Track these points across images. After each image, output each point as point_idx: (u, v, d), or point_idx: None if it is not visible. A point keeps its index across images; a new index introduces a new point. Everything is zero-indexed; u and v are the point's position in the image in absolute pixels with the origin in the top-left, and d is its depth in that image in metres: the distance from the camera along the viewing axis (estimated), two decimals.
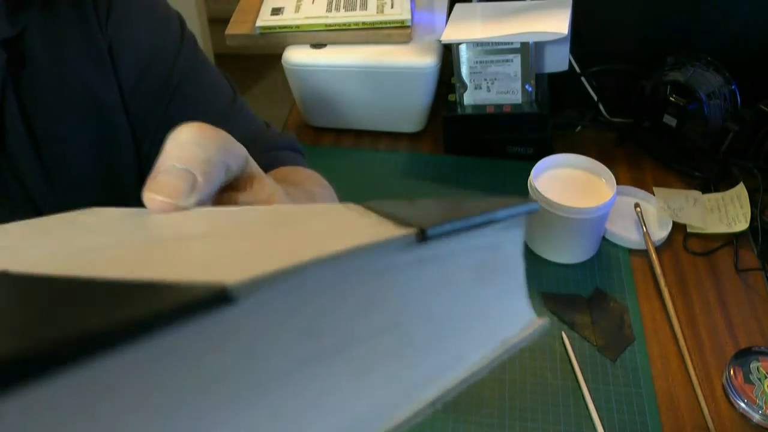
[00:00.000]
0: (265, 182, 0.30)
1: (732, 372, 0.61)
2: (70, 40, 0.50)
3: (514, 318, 0.21)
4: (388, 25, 0.83)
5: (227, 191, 0.29)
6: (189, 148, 0.25)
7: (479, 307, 0.19)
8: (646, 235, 0.73)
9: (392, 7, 0.84)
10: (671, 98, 0.80)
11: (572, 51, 0.83)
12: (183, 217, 0.23)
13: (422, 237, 0.15)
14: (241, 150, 0.28)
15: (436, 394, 0.16)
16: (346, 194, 0.83)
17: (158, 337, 0.10)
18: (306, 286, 0.13)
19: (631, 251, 0.74)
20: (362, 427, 0.14)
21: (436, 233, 0.15)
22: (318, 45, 0.84)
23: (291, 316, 0.13)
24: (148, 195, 0.24)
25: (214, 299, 0.11)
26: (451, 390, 0.16)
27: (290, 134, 0.64)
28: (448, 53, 0.82)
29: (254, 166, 0.29)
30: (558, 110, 0.91)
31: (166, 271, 0.13)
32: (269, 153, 0.57)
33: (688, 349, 0.64)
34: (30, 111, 0.49)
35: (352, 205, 0.19)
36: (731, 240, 0.75)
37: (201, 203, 0.25)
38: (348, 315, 0.14)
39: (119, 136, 0.54)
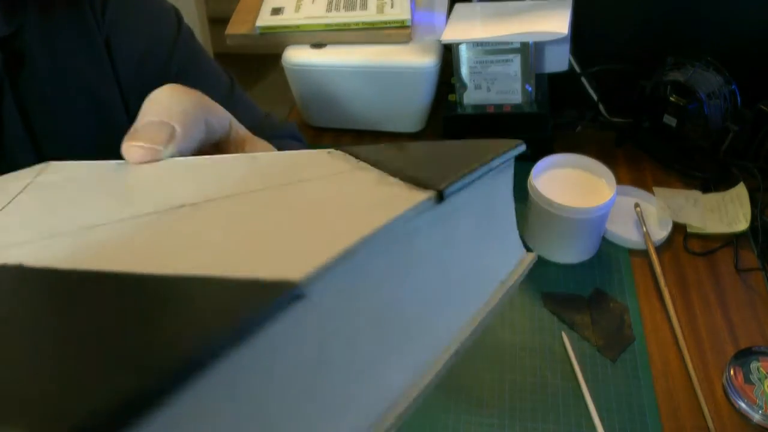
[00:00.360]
0: (258, 145, 0.30)
1: (732, 372, 0.61)
2: (66, 38, 0.50)
3: (509, 256, 0.23)
4: (388, 25, 0.83)
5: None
6: (164, 103, 0.26)
7: (481, 251, 0.20)
8: (646, 235, 0.73)
9: (392, 7, 0.84)
10: (671, 98, 0.80)
11: (572, 51, 0.83)
12: (166, 177, 0.22)
13: (440, 198, 0.15)
14: (223, 112, 0.28)
15: (455, 345, 0.17)
16: None
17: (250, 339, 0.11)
18: (354, 267, 0.13)
19: (631, 251, 0.74)
20: (407, 386, 0.15)
21: (452, 191, 0.16)
22: (318, 45, 0.84)
23: (347, 296, 0.13)
24: (128, 144, 0.24)
25: (288, 296, 0.11)
26: (466, 340, 0.17)
27: (291, 123, 0.64)
28: (448, 53, 0.82)
29: (242, 129, 0.29)
30: (558, 110, 0.91)
31: (200, 260, 0.13)
32: (270, 141, 0.58)
33: (688, 349, 0.64)
34: (29, 109, 0.49)
35: (338, 154, 0.20)
36: (731, 240, 0.75)
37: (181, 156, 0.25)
38: (378, 282, 0.14)
39: (118, 133, 0.54)
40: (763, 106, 0.78)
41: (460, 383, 0.63)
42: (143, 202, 0.19)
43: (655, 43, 0.85)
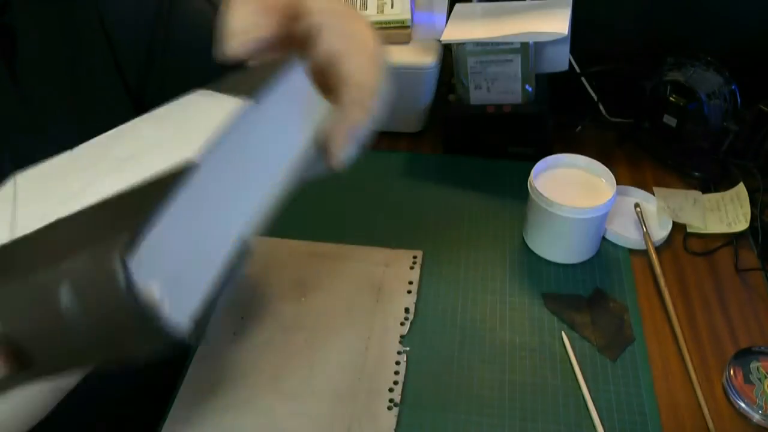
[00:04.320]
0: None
1: (732, 372, 0.61)
2: (53, 7, 0.50)
3: (310, 123, 0.34)
4: (388, 25, 0.83)
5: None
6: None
7: (290, 125, 0.31)
8: (646, 235, 0.73)
9: (392, 7, 0.84)
10: (671, 98, 0.80)
11: (572, 51, 0.83)
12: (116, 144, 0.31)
13: (257, 103, 0.28)
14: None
15: (283, 179, 0.29)
16: (346, 194, 0.83)
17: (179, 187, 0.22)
18: (215, 145, 0.24)
19: (631, 251, 0.74)
20: (260, 203, 0.28)
21: (261, 96, 0.28)
22: None
23: (221, 160, 0.25)
24: (229, 43, 0.33)
25: (189, 165, 0.23)
26: (289, 175, 0.30)
27: None
28: (448, 53, 0.82)
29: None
30: (558, 110, 0.91)
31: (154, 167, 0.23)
32: None
33: (688, 349, 0.64)
34: (20, 79, 0.49)
35: (205, 92, 0.31)
36: (731, 240, 0.75)
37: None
38: (233, 147, 0.26)
39: (111, 99, 0.54)
40: (763, 106, 0.78)
41: (460, 383, 0.63)
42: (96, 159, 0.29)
43: (655, 43, 0.85)
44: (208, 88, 0.30)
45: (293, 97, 0.32)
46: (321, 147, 0.34)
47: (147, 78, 0.55)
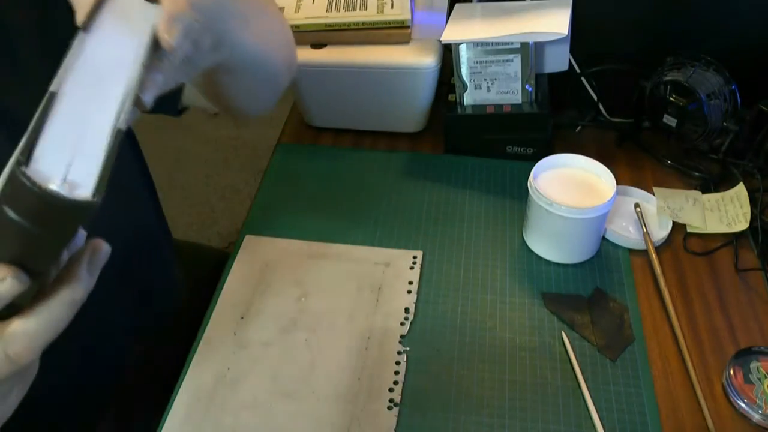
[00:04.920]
0: None
1: (732, 372, 0.61)
2: None
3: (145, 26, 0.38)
4: (388, 25, 0.83)
5: None
6: None
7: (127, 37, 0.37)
8: (646, 235, 0.73)
9: (392, 7, 0.84)
10: (671, 98, 0.80)
11: (572, 51, 0.83)
12: None
13: (85, 31, 0.35)
14: None
15: (135, 79, 0.35)
16: (346, 194, 0.83)
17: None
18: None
19: (631, 251, 0.74)
20: (124, 92, 0.34)
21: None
22: (318, 45, 0.84)
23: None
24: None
25: (50, 95, 0.32)
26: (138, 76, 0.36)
27: None
28: (448, 53, 0.82)
29: None
30: (558, 110, 0.91)
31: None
32: None
33: (688, 349, 0.64)
34: None
35: None
36: (731, 240, 0.75)
37: None
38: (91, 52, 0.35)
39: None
40: (763, 106, 0.78)
41: (460, 383, 0.63)
42: None
43: (655, 43, 0.85)
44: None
45: (122, 14, 0.38)
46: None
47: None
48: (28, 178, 0.27)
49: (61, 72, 0.33)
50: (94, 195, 0.30)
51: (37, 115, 0.30)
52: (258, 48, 0.53)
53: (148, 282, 0.74)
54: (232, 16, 0.46)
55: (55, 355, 0.35)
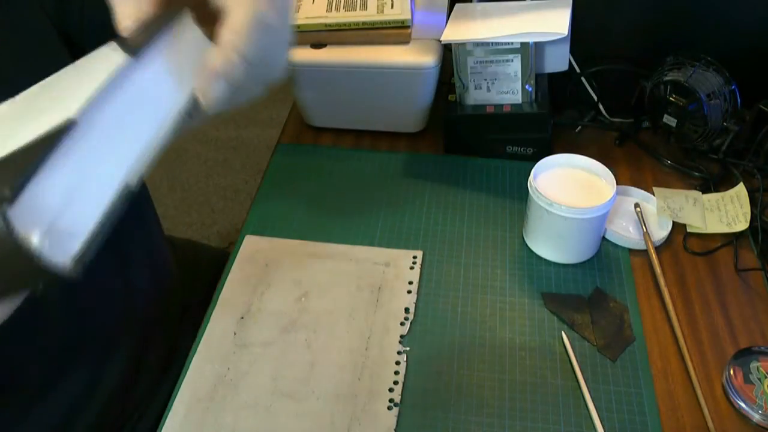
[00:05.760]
0: None
1: (732, 372, 0.61)
2: None
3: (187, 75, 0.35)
4: (388, 25, 0.83)
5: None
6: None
7: (167, 78, 0.34)
8: (646, 235, 0.73)
9: (392, 7, 0.84)
10: (671, 98, 0.80)
11: (572, 51, 0.83)
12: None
13: (134, 54, 0.30)
14: None
15: (165, 129, 0.32)
16: (346, 194, 0.83)
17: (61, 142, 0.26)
18: (98, 101, 0.27)
19: (631, 251, 0.74)
20: (145, 148, 0.31)
21: (141, 48, 0.31)
22: (318, 45, 0.84)
23: (101, 113, 0.28)
24: (120, 27, 0.33)
25: (69, 123, 0.26)
26: (171, 126, 0.32)
27: None
28: (448, 53, 0.82)
29: None
30: (558, 110, 0.91)
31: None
32: None
33: (688, 349, 0.64)
34: None
35: (112, 45, 0.32)
36: (731, 240, 0.75)
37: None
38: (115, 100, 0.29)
39: (34, 31, 0.53)
40: (763, 106, 0.78)
41: (460, 383, 0.63)
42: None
43: (655, 43, 0.85)
44: (115, 41, 0.32)
45: (177, 47, 0.34)
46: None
47: (66, 8, 0.53)
48: (8, 223, 0.22)
49: (91, 96, 0.27)
50: (75, 260, 0.25)
51: (42, 137, 0.25)
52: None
53: (130, 244, 0.71)
54: (284, 55, 0.41)
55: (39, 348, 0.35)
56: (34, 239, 0.24)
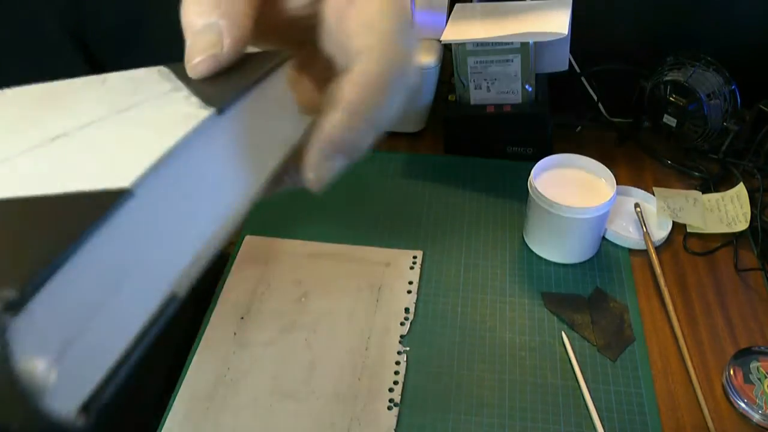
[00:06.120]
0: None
1: (732, 372, 0.61)
2: None
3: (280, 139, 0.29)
4: None
5: None
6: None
7: (253, 142, 0.26)
8: (646, 235, 0.73)
9: None
10: (671, 98, 0.80)
11: (572, 51, 0.83)
12: (24, 113, 0.25)
13: (220, 112, 0.22)
14: None
15: (233, 215, 0.24)
16: (346, 194, 0.83)
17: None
18: (163, 170, 0.19)
19: (631, 251, 0.74)
20: (213, 232, 0.22)
21: (228, 106, 0.23)
22: None
23: (166, 183, 0.20)
24: (187, 66, 0.25)
25: (122, 198, 0.17)
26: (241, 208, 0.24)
27: None
28: (448, 53, 0.82)
29: None
30: (558, 110, 0.91)
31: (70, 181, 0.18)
32: None
33: (688, 349, 0.64)
34: None
35: (164, 72, 0.26)
36: (731, 240, 0.75)
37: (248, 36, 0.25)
38: (186, 170, 0.21)
39: (48, 32, 0.50)
40: (763, 106, 0.78)
41: (460, 383, 0.63)
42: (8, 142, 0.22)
43: (655, 43, 0.85)
44: (172, 71, 0.25)
45: (267, 105, 0.26)
46: (297, 160, 0.28)
47: (82, 15, 0.52)
48: (5, 342, 0.14)
49: (155, 160, 0.18)
50: (84, 408, 0.16)
51: (73, 213, 0.16)
52: None
53: None
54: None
55: None
56: (38, 370, 0.15)
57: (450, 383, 0.63)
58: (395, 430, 0.59)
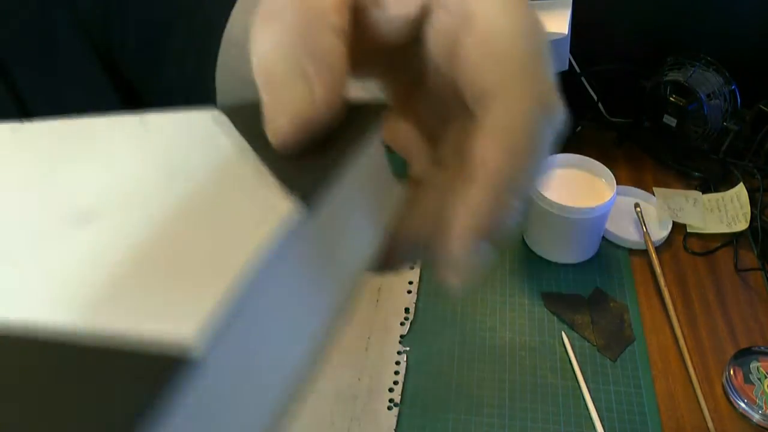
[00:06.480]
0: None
1: (732, 372, 0.61)
2: None
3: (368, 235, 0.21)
4: None
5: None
6: (265, 37, 0.17)
7: (349, 236, 0.19)
8: (646, 235, 0.73)
9: None
10: (671, 98, 0.80)
11: (572, 51, 0.83)
12: (46, 156, 0.19)
13: (309, 209, 0.15)
14: None
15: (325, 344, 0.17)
16: None
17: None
18: (239, 317, 0.13)
19: (631, 251, 0.74)
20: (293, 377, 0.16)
21: (322, 198, 0.16)
22: None
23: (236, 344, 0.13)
24: (271, 130, 0.17)
25: (182, 365, 0.11)
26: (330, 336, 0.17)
27: None
28: None
29: None
30: None
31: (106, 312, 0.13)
32: None
33: (688, 349, 0.64)
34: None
35: (222, 120, 0.18)
36: (731, 240, 0.75)
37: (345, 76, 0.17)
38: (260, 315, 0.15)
39: (76, 55, 0.49)
40: (762, 106, 0.78)
41: (460, 383, 0.63)
42: (25, 207, 0.17)
43: (655, 43, 0.85)
44: (231, 119, 0.18)
45: (361, 182, 0.19)
46: (394, 244, 0.21)
47: (110, 29, 0.51)
48: None
49: (223, 298, 0.12)
50: None
51: (121, 387, 0.11)
52: None
53: None
54: None
55: None
56: None
57: (450, 383, 0.63)
58: (395, 430, 0.59)
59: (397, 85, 0.22)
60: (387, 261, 0.20)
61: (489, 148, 0.17)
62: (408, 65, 0.20)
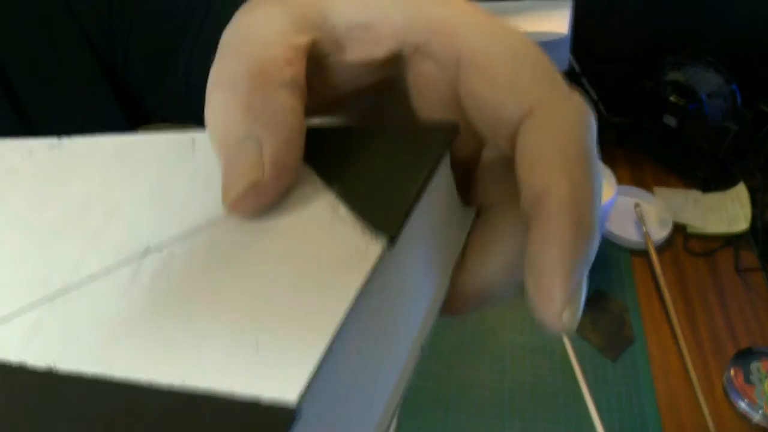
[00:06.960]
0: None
1: (732, 372, 0.61)
2: None
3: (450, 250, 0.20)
4: None
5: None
6: (220, 101, 0.17)
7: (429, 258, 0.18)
8: (646, 235, 0.73)
9: None
10: (671, 98, 0.80)
11: (572, 51, 0.83)
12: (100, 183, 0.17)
13: (392, 244, 0.14)
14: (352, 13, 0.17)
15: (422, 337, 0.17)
16: None
17: None
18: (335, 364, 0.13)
19: (631, 251, 0.74)
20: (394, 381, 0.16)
21: (402, 231, 0.15)
22: None
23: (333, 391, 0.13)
24: (227, 202, 0.16)
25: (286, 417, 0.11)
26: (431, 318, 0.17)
27: None
28: None
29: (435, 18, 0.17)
30: None
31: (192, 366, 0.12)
32: None
33: (688, 349, 0.64)
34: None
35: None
36: (731, 240, 0.75)
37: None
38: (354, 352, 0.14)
39: (79, 67, 0.49)
40: (763, 106, 0.78)
41: (460, 383, 0.63)
42: (91, 242, 0.16)
43: (655, 43, 0.85)
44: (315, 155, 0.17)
45: (436, 213, 0.18)
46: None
47: (113, 41, 0.51)
48: None
49: (318, 353, 0.12)
50: None
51: None
52: None
53: None
54: None
55: None
56: None
57: (450, 383, 0.63)
58: (395, 430, 0.59)
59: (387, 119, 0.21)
60: (455, 307, 0.19)
61: (548, 175, 0.16)
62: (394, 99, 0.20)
